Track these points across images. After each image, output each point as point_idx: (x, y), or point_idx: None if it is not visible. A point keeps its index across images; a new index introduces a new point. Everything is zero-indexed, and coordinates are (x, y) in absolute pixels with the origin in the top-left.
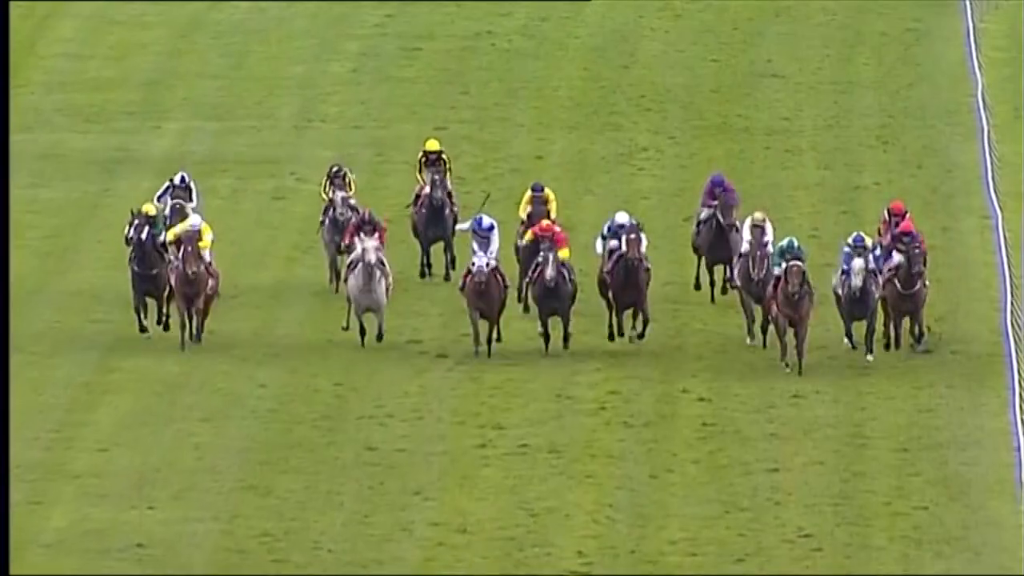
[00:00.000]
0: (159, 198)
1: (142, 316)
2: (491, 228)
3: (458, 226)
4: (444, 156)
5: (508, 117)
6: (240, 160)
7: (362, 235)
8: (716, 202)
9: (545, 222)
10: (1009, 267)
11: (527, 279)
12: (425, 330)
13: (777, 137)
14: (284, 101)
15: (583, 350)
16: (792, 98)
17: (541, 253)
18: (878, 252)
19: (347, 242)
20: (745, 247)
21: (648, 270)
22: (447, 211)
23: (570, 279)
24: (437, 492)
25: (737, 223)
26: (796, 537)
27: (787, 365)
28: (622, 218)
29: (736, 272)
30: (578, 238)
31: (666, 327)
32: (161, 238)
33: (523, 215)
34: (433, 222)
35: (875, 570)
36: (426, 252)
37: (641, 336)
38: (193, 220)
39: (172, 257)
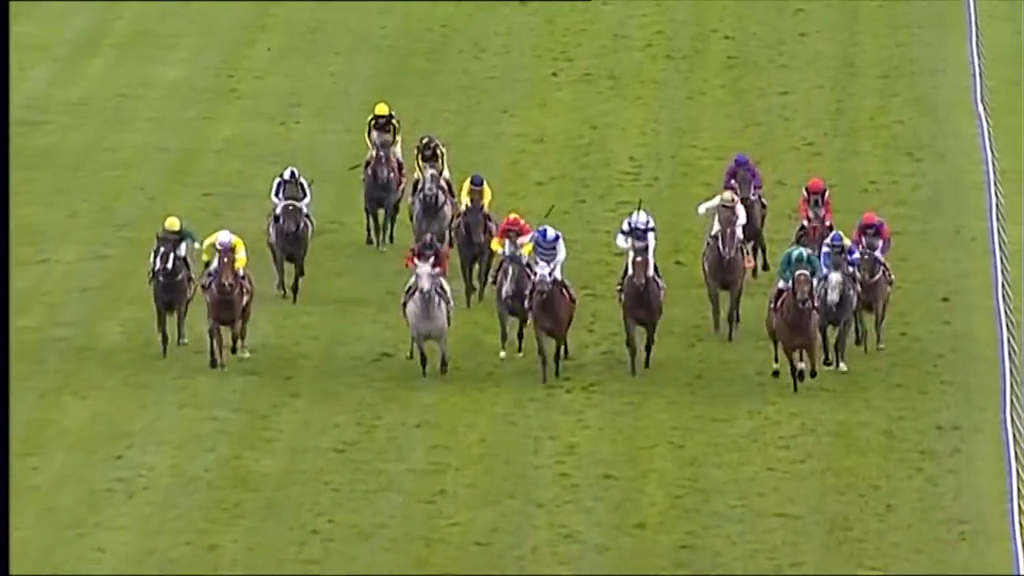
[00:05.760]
0: (274, 195)
1: (164, 325)
2: (556, 239)
3: (519, 239)
4: (394, 121)
5: None
6: None
7: (419, 261)
8: (736, 183)
9: (512, 216)
10: None
11: (493, 282)
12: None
13: None
14: None
15: (626, 26)
16: None
17: (504, 258)
18: (855, 255)
19: (407, 266)
20: (715, 229)
21: (661, 286)
22: (393, 182)
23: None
24: (520, 111)
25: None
26: (801, 145)
27: (796, 388)
28: (642, 219)
29: (704, 257)
30: None
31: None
32: (182, 250)
33: (464, 202)
34: (375, 189)
35: (862, 172)
36: (373, 216)
37: (647, 350)
38: (223, 237)
39: (206, 273)
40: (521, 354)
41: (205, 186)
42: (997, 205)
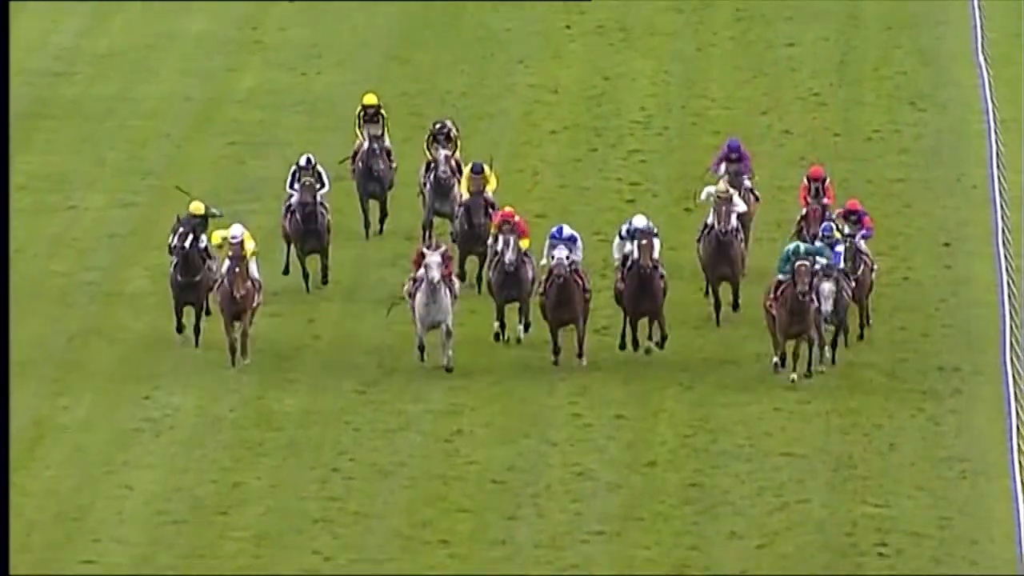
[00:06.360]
0: (290, 185)
1: (181, 319)
2: (572, 239)
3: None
4: (382, 112)
5: None
6: None
7: (427, 250)
8: (727, 168)
9: (507, 209)
10: None
11: (487, 266)
12: None
13: None
14: None
15: None
16: None
17: (501, 238)
18: (840, 249)
19: (414, 259)
20: (710, 219)
21: (663, 277)
22: (383, 170)
23: (531, 266)
24: (534, 62)
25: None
26: (807, 95)
27: (793, 380)
28: (640, 221)
29: (699, 245)
30: None
31: None
32: (204, 240)
33: (465, 193)
34: (368, 181)
35: (866, 122)
36: (365, 209)
37: (660, 346)
38: (234, 230)
39: (214, 267)
40: (523, 335)
41: (229, 135)
42: (997, 153)
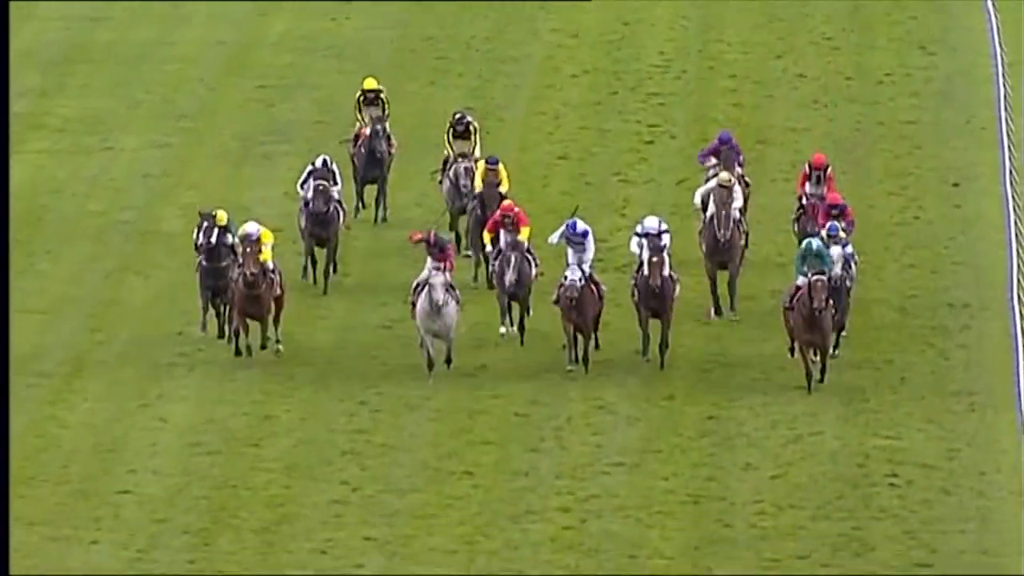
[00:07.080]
0: (302, 184)
1: (206, 315)
2: (585, 234)
3: (549, 239)
4: (383, 96)
5: None
6: None
7: (431, 261)
8: (719, 162)
9: (506, 203)
10: None
11: (491, 269)
12: None
13: None
14: None
15: None
16: None
17: (503, 242)
18: (849, 250)
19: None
20: (711, 210)
21: (675, 281)
22: (385, 154)
23: (533, 262)
24: (556, 7)
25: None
26: (820, 40)
27: (809, 388)
28: (651, 222)
29: (701, 237)
30: None
31: None
32: (229, 238)
33: (479, 186)
34: (371, 165)
35: (877, 66)
36: (360, 192)
37: (662, 349)
38: (250, 228)
39: (238, 260)
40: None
41: (260, 78)
42: (1005, 96)
